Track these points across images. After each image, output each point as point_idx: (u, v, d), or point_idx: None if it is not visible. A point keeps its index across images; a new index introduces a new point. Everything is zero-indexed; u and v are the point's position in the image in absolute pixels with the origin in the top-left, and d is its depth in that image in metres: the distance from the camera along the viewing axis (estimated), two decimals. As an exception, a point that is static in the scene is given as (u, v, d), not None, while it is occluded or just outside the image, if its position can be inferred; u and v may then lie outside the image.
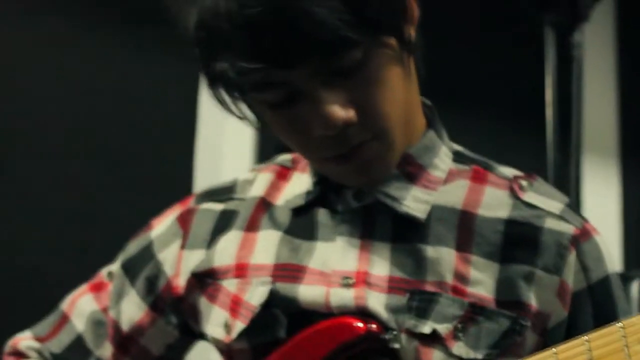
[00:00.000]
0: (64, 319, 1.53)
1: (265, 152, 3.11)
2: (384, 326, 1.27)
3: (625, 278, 1.74)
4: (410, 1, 1.28)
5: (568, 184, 2.25)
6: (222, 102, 1.31)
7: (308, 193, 1.38)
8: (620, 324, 1.12)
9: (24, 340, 1.54)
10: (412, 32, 1.29)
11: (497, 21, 2.81)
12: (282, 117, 1.26)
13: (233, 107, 1.32)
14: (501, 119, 3.05)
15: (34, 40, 2.98)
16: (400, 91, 1.28)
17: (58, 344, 1.52)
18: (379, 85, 1.24)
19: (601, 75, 3.25)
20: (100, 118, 2.99)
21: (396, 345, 1.27)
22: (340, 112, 1.22)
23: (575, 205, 1.40)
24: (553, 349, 1.15)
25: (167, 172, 3.01)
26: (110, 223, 2.87)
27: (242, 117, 1.33)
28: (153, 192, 2.93)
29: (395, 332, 1.27)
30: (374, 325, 1.27)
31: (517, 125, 3.04)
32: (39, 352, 1.52)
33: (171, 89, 3.07)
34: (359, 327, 1.26)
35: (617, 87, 3.26)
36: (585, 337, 1.13)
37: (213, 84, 1.29)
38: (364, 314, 1.28)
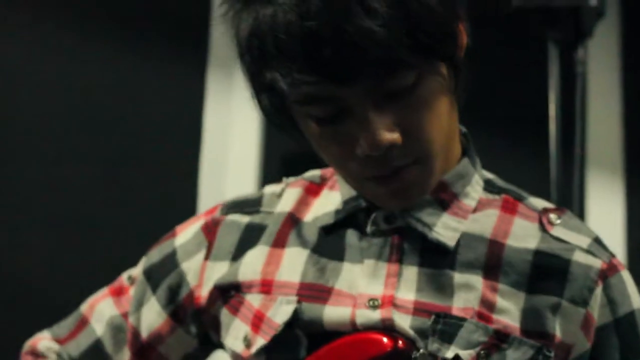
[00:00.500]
0: (84, 322, 1.53)
1: (270, 165, 3.12)
2: (411, 344, 1.27)
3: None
4: (461, 30, 1.29)
5: (571, 199, 2.26)
6: (265, 112, 1.31)
7: (337, 212, 1.38)
8: None
9: (44, 340, 1.54)
10: (460, 60, 1.30)
11: (501, 37, 2.81)
12: (327, 133, 1.26)
13: (275, 118, 1.32)
14: (505, 134, 3.06)
15: (38, 46, 2.99)
16: (445, 118, 1.29)
17: (77, 347, 1.52)
18: (426, 111, 1.25)
19: (606, 91, 3.25)
20: (105, 127, 3.00)
21: None
22: (387, 134, 1.22)
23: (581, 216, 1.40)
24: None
25: (171, 181, 3.02)
26: (113, 231, 2.88)
27: (283, 129, 1.33)
28: (158, 205, 2.94)
29: (422, 351, 1.27)
30: (400, 342, 1.26)
31: (520, 141, 3.04)
32: (59, 355, 1.52)
33: (177, 100, 3.08)
34: (385, 342, 1.25)
35: (622, 103, 3.26)
36: None
37: (259, 93, 1.29)
38: (391, 331, 1.28)
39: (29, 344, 1.55)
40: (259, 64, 1.24)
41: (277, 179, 1.51)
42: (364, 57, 1.18)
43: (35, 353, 1.54)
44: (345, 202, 1.38)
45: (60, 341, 1.53)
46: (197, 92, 3.08)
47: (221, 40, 3.31)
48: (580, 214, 2.99)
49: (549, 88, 2.32)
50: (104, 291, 1.55)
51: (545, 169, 2.30)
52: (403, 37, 1.18)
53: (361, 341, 1.27)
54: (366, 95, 1.22)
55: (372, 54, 1.17)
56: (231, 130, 3.11)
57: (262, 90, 1.28)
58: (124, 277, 1.54)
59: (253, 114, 3.18)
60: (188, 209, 2.85)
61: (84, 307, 1.54)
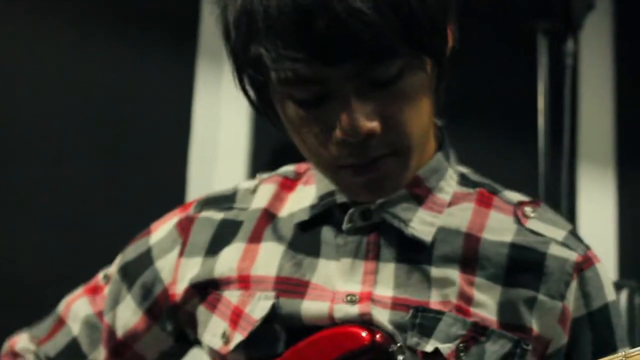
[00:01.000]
0: (60, 322, 1.52)
1: (260, 156, 3.11)
2: (390, 338, 1.27)
3: (616, 287, 1.73)
4: (449, 29, 1.28)
5: (559, 193, 2.25)
6: (244, 91, 1.30)
7: (312, 207, 1.38)
8: (622, 353, 1.12)
9: (21, 341, 1.54)
10: (445, 58, 1.30)
11: (490, 28, 2.80)
12: (306, 116, 1.25)
13: (256, 101, 1.31)
14: (493, 126, 3.05)
15: (32, 42, 2.98)
16: (424, 114, 1.28)
17: (53, 347, 1.51)
18: (407, 104, 1.24)
19: (597, 83, 3.24)
20: (94, 120, 2.99)
21: (400, 358, 1.26)
22: (367, 121, 1.21)
23: (569, 214, 1.40)
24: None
25: (161, 175, 3.01)
26: (104, 226, 2.87)
27: (260, 110, 1.32)
28: (146, 196, 2.93)
29: (400, 344, 1.26)
30: (378, 336, 1.25)
31: (509, 133, 3.03)
32: (36, 355, 1.52)
33: (166, 92, 3.07)
34: (363, 336, 1.25)
35: (614, 95, 3.25)
36: None
37: (241, 70, 1.28)
38: (369, 325, 1.28)
39: (7, 344, 1.55)
40: (246, 39, 1.23)
41: (266, 170, 1.50)
42: (352, 38, 1.17)
43: (13, 353, 1.54)
44: (321, 198, 1.37)
45: (38, 342, 1.53)
46: (187, 83, 3.06)
47: (211, 31, 3.29)
48: (571, 208, 2.99)
49: (538, 80, 2.31)
50: (80, 290, 1.54)
51: (534, 163, 2.29)
52: (393, 23, 1.18)
53: (340, 335, 1.26)
54: (350, 80, 1.21)
55: (360, 36, 1.17)
56: (221, 122, 3.10)
57: (245, 68, 1.27)
58: (100, 275, 1.54)
59: (243, 105, 3.16)
60: (177, 201, 2.85)
61: (61, 307, 1.54)
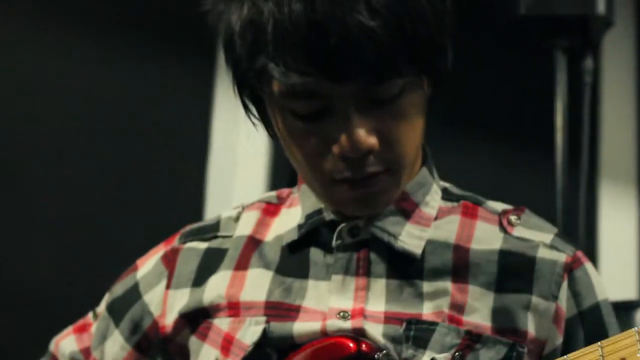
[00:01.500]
0: None
1: (279, 172, 3.11)
2: (376, 346, 1.27)
3: (631, 306, 1.73)
4: (449, 50, 1.31)
5: (577, 210, 2.24)
6: (243, 103, 1.32)
7: (300, 227, 1.38)
8: (599, 343, 1.12)
9: None
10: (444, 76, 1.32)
11: (508, 45, 2.80)
12: (305, 129, 1.27)
13: (253, 111, 1.33)
14: (511, 144, 3.04)
15: (54, 54, 3.00)
16: (418, 132, 1.31)
17: None
18: (405, 123, 1.27)
19: (619, 100, 3.23)
20: (112, 131, 3.00)
21: None
22: (367, 137, 1.24)
23: (572, 233, 1.40)
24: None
25: (179, 192, 3.02)
26: (121, 243, 2.88)
27: (259, 123, 1.34)
28: (164, 213, 2.94)
29: (385, 352, 1.27)
30: (364, 345, 1.27)
31: (526, 151, 3.02)
32: None
33: (185, 107, 3.08)
34: (350, 346, 1.27)
35: (636, 113, 3.24)
36: (565, 357, 1.15)
37: (243, 82, 1.29)
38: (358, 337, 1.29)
39: None
40: (252, 49, 1.23)
41: (285, 186, 1.50)
42: (362, 56, 1.18)
43: None
44: (308, 216, 1.37)
45: None
46: (205, 98, 3.07)
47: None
48: (591, 225, 2.97)
49: (556, 98, 2.30)
50: (69, 329, 1.55)
51: (552, 180, 2.28)
52: (400, 44, 1.20)
53: (327, 345, 1.28)
54: (353, 97, 1.23)
55: (370, 55, 1.18)
56: (239, 137, 3.10)
57: (246, 78, 1.27)
58: (89, 314, 1.54)
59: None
60: (196, 218, 2.85)
61: (52, 346, 1.55)
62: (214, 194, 3.04)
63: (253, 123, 1.35)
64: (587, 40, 2.27)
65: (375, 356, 1.26)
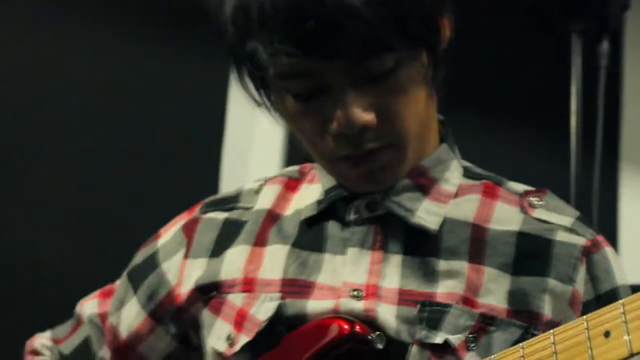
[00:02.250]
0: (79, 322, 1.56)
1: (294, 159, 3.10)
2: (369, 327, 1.28)
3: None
4: (445, 22, 1.31)
5: (591, 195, 2.23)
6: (244, 87, 1.33)
7: (319, 202, 1.39)
8: (584, 317, 1.12)
9: (40, 339, 1.57)
10: (442, 52, 1.32)
11: (524, 29, 2.79)
12: (302, 109, 1.28)
13: (254, 93, 1.34)
14: (525, 127, 3.03)
15: (66, 41, 3.01)
16: (421, 106, 1.30)
17: (69, 345, 1.55)
18: (403, 96, 1.27)
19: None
20: (127, 125, 3.01)
21: (379, 346, 1.27)
22: (362, 113, 1.24)
23: (587, 218, 1.40)
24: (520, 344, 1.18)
25: (193, 181, 3.02)
26: (135, 233, 2.88)
27: (261, 105, 1.35)
28: (178, 202, 2.94)
29: (379, 333, 1.28)
30: (357, 327, 1.28)
31: (541, 135, 3.01)
32: (51, 351, 1.55)
33: (200, 94, 3.08)
34: (343, 327, 1.28)
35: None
36: (551, 331, 1.15)
37: (239, 66, 1.31)
38: (373, 325, 1.29)
39: (28, 343, 1.58)
40: (242, 34, 1.26)
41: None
42: (345, 33, 1.20)
43: (32, 352, 1.57)
44: (327, 192, 1.38)
45: (57, 341, 1.56)
46: (221, 87, 3.07)
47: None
48: (611, 209, 2.96)
49: (572, 81, 2.29)
50: (96, 292, 1.57)
51: (566, 164, 2.27)
52: (385, 18, 1.21)
53: (321, 327, 1.29)
54: (344, 74, 1.24)
55: (352, 31, 1.20)
56: (255, 127, 3.10)
57: (242, 63, 1.30)
58: (118, 281, 1.56)
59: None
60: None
61: (77, 307, 1.57)
62: (228, 186, 3.04)
63: (260, 108, 1.36)
64: (603, 23, 2.25)
65: (369, 337, 1.27)
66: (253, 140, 3.10)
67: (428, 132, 1.36)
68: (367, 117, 1.25)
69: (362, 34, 1.20)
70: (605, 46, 2.27)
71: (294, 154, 3.06)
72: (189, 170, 3.03)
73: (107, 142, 3.00)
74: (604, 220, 2.27)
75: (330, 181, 1.38)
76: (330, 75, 1.24)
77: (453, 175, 1.38)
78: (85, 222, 2.93)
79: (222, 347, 1.37)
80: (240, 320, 1.36)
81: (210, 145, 3.08)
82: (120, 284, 1.53)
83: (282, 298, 1.34)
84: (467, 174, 1.40)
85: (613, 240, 2.92)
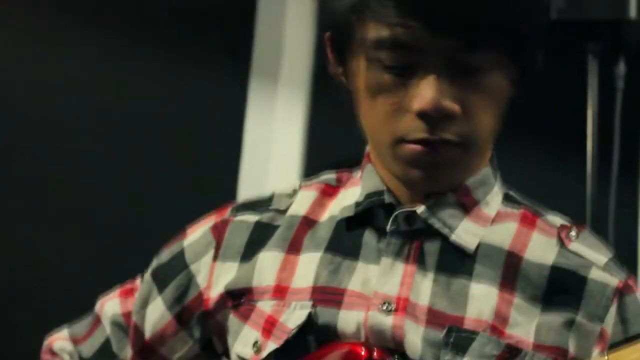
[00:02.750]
0: (97, 322, 1.53)
1: (312, 173, 3.10)
2: (387, 353, 1.27)
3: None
4: (541, 49, 1.32)
5: (607, 217, 2.22)
6: (329, 52, 1.34)
7: (357, 204, 1.36)
8: (605, 352, 1.13)
9: (59, 340, 1.55)
10: (530, 72, 1.33)
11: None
12: (390, 81, 1.27)
13: (335, 62, 1.34)
14: (541, 149, 3.01)
15: (86, 55, 3.01)
16: (497, 117, 1.31)
17: (89, 347, 1.52)
18: (487, 99, 1.27)
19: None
20: (147, 128, 3.01)
21: None
22: (449, 100, 1.25)
23: (603, 240, 1.39)
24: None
25: (211, 194, 3.01)
26: (154, 244, 2.89)
27: (338, 78, 1.35)
28: (196, 215, 2.94)
29: (397, 357, 1.27)
30: (375, 352, 1.26)
31: (557, 157, 2.99)
32: (71, 356, 1.53)
33: (218, 110, 3.08)
34: (360, 354, 1.26)
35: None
36: None
37: (336, 26, 1.31)
38: (398, 344, 1.28)
39: (47, 342, 1.56)
40: None
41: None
42: (465, 12, 1.21)
43: (51, 352, 1.55)
44: (368, 195, 1.36)
45: (76, 341, 1.54)
46: (239, 101, 3.07)
47: (264, 48, 3.28)
48: (631, 232, 2.94)
49: (588, 103, 2.28)
50: (116, 291, 1.54)
51: (582, 187, 2.26)
52: (512, 22, 1.23)
53: (340, 352, 1.28)
54: (443, 57, 1.24)
55: (473, 11, 1.21)
56: (273, 141, 3.09)
57: (341, 20, 1.29)
58: (138, 278, 1.54)
59: (295, 123, 3.13)
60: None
61: (97, 307, 1.54)
62: (247, 188, 3.04)
63: (330, 77, 1.36)
64: (619, 45, 2.25)
65: None
66: (271, 157, 3.10)
67: (487, 147, 1.35)
68: (454, 106, 1.25)
69: (479, 17, 1.21)
70: (621, 67, 2.27)
71: (313, 162, 3.06)
72: (207, 187, 3.02)
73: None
74: (620, 242, 2.26)
75: (373, 186, 1.36)
76: (429, 54, 1.24)
77: (493, 199, 1.36)
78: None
79: (248, 353, 1.35)
80: (268, 327, 1.34)
81: (228, 162, 3.06)
82: (143, 282, 1.50)
83: (314, 306, 1.32)
84: (507, 200, 1.39)
85: (630, 264, 2.90)
